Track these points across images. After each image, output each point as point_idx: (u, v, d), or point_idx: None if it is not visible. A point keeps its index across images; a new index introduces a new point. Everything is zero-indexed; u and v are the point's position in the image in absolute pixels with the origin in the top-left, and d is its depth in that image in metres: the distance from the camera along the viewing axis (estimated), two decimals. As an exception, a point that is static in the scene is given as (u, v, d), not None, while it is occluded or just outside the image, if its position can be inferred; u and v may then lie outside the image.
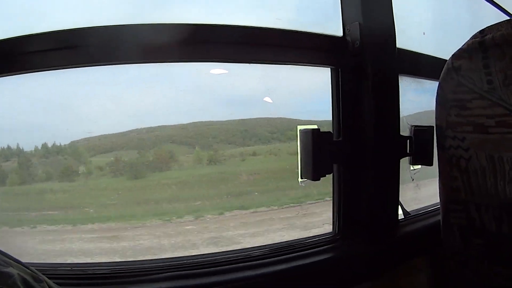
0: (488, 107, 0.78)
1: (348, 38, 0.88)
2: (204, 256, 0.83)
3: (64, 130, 1.10)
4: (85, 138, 1.29)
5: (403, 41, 0.94)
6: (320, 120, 1.11)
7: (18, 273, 0.53)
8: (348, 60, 0.87)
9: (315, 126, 0.84)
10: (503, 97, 0.76)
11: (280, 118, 1.26)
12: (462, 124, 0.81)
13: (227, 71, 0.87)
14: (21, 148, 1.07)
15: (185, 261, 0.80)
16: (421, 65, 1.04)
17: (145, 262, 0.80)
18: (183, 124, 1.30)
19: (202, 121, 1.27)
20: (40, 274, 0.56)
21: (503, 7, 1.48)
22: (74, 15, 0.82)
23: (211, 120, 1.27)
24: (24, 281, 0.53)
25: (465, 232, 0.85)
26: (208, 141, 1.27)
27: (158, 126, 1.28)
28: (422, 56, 1.05)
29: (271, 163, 1.28)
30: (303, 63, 0.86)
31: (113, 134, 1.27)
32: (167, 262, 0.81)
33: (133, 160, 1.21)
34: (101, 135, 1.26)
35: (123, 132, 1.28)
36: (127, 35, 0.76)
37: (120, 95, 1.04)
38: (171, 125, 1.29)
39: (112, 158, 1.19)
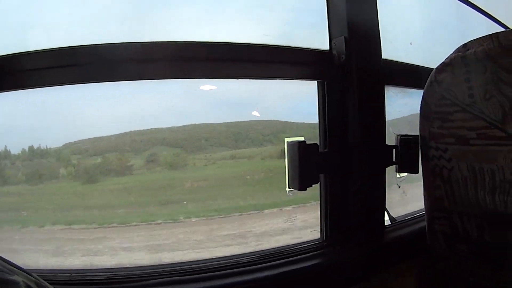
0: (470, 120, 0.82)
1: (334, 52, 0.92)
2: (196, 262, 0.88)
3: (57, 133, 1.14)
4: (79, 141, 1.35)
5: (389, 52, 0.98)
6: (312, 122, 1.16)
7: (23, 281, 0.55)
8: (334, 73, 0.91)
9: (302, 138, 0.89)
10: (484, 110, 0.80)
11: (273, 120, 1.30)
12: (445, 135, 0.85)
13: (216, 87, 0.92)
14: (8, 150, 1.10)
15: (179, 267, 0.85)
16: (407, 75, 1.07)
17: (142, 268, 0.86)
18: (177, 127, 1.35)
19: (194, 124, 1.31)
20: (42, 281, 0.59)
21: (493, 15, 1.50)
22: (67, 33, 0.86)
23: (204, 122, 1.30)
24: None
25: (450, 238, 0.90)
26: (201, 143, 1.31)
27: (151, 129, 1.31)
28: (408, 66, 1.09)
29: (234, 168, 1.32)
30: (290, 77, 0.90)
31: (106, 136, 1.29)
32: (162, 268, 0.86)
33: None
34: (96, 137, 1.28)
35: (117, 135, 1.31)
36: (119, 53, 0.80)
37: (114, 98, 1.05)
38: (163, 128, 1.32)
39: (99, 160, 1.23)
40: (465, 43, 0.83)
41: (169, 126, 1.30)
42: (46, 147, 1.20)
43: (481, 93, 0.80)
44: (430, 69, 0.88)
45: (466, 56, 0.82)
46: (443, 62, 0.85)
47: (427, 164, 0.89)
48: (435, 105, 0.85)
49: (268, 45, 0.87)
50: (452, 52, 0.85)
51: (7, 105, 0.92)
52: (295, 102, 1.18)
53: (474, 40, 0.82)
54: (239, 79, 0.87)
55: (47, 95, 0.90)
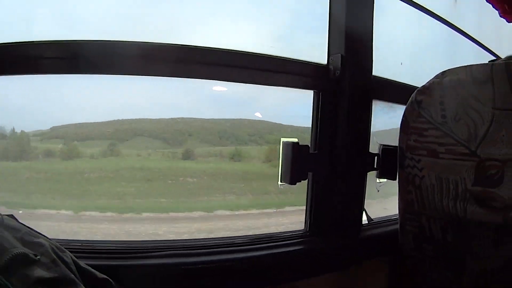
0: (441, 137, 1.01)
1: (331, 66, 1.10)
2: (196, 240, 1.07)
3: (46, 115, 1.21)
4: (65, 125, 1.46)
5: (381, 70, 1.16)
6: (300, 126, 1.30)
7: (48, 243, 0.64)
8: (329, 85, 1.10)
9: (296, 140, 1.07)
10: (453, 130, 0.99)
11: (262, 121, 1.44)
12: (419, 148, 1.04)
13: (226, 89, 1.09)
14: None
15: (181, 244, 1.01)
16: (394, 92, 1.26)
17: (148, 242, 1.01)
18: (165, 119, 1.47)
19: (183, 117, 1.42)
20: (59, 245, 0.68)
21: (482, 42, 1.69)
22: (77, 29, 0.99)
23: (193, 117, 1.41)
24: (53, 250, 0.64)
25: (418, 238, 1.08)
26: (184, 138, 1.44)
27: (138, 118, 1.42)
28: (395, 84, 1.28)
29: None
30: (290, 86, 1.08)
31: (94, 122, 1.41)
32: (166, 243, 1.01)
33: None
34: (83, 123, 1.40)
35: (104, 122, 1.42)
36: (131, 50, 0.93)
37: (107, 85, 1.11)
38: (151, 119, 1.43)
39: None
40: (444, 71, 1.02)
41: (157, 117, 1.41)
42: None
43: (452, 115, 0.99)
44: (414, 87, 1.07)
45: (443, 83, 1.01)
46: (423, 86, 1.04)
47: (402, 172, 1.08)
48: (413, 122, 1.04)
49: (273, 56, 1.05)
50: (432, 77, 1.04)
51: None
52: (287, 105, 1.32)
53: (452, 69, 1.01)
54: (243, 83, 1.05)
55: (40, 79, 0.97)
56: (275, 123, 1.43)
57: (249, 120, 1.48)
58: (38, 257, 0.59)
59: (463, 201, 0.99)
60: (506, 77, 0.92)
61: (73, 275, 0.63)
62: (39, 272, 0.57)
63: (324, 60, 1.13)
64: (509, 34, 1.65)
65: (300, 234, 1.14)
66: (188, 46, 0.97)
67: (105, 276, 0.73)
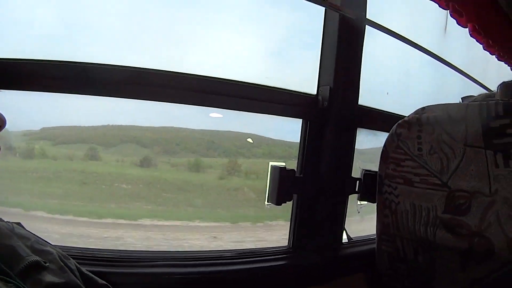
0: (416, 167, 1.12)
1: (319, 97, 1.21)
2: (188, 252, 1.17)
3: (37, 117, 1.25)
4: (56, 127, 1.52)
5: (367, 99, 1.28)
6: (288, 140, 1.37)
7: (55, 251, 0.71)
8: (317, 115, 1.21)
9: (284, 164, 1.18)
10: (428, 162, 1.10)
11: (252, 134, 1.50)
12: (396, 176, 1.15)
13: (222, 116, 1.20)
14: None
15: (174, 255, 1.11)
16: (378, 120, 1.37)
17: (143, 252, 1.11)
18: (154, 127, 1.52)
19: (173, 126, 1.46)
20: (63, 252, 0.75)
21: (469, 74, 1.79)
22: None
23: (183, 126, 1.45)
24: (60, 257, 0.70)
25: (392, 258, 1.20)
26: (171, 147, 1.51)
27: (127, 125, 1.46)
28: (379, 113, 1.39)
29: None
30: (280, 115, 1.19)
31: (82, 126, 1.44)
32: (161, 253, 1.11)
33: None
34: (73, 126, 1.44)
35: (94, 126, 1.46)
36: (146, 77, 1.02)
37: None
38: (140, 126, 1.46)
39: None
40: (423, 107, 1.13)
41: (147, 125, 1.46)
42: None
43: (427, 149, 1.10)
44: (399, 116, 1.18)
45: (421, 118, 1.12)
46: (403, 119, 1.15)
47: (380, 197, 1.19)
48: (392, 152, 1.15)
49: (267, 86, 1.15)
50: (413, 112, 1.15)
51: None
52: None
53: (430, 106, 1.12)
54: (239, 111, 1.15)
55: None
56: (264, 137, 1.50)
57: (237, 132, 1.54)
58: (47, 264, 0.66)
59: (433, 227, 1.10)
60: (478, 117, 1.03)
61: (78, 281, 0.71)
62: (50, 278, 0.64)
63: (314, 90, 1.24)
64: (497, 66, 1.76)
65: (284, 250, 1.25)
66: (183, 74, 1.06)
67: (105, 282, 0.81)
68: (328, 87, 1.19)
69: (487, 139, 1.02)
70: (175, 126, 1.47)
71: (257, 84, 1.13)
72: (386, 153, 1.17)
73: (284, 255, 1.23)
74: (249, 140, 1.34)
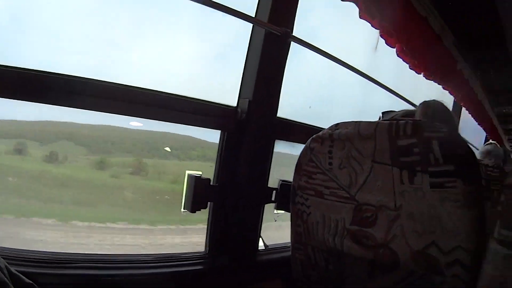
0: (327, 180, 1.18)
1: (238, 109, 1.26)
2: (111, 255, 1.19)
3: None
4: None
5: (289, 112, 1.33)
6: None
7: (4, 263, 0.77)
8: (235, 127, 1.26)
9: (200, 173, 1.22)
10: (337, 176, 1.16)
11: (188, 136, 1.54)
12: (308, 188, 1.21)
13: (142, 124, 1.22)
14: None
15: (98, 257, 1.15)
16: (296, 133, 1.43)
17: (69, 254, 1.13)
18: (91, 125, 1.50)
19: (110, 125, 1.46)
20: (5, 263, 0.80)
21: (396, 90, 1.89)
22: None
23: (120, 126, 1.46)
24: None
25: (305, 265, 1.26)
26: (106, 146, 1.52)
27: (65, 122, 1.43)
28: (298, 125, 1.46)
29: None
30: (200, 126, 1.24)
31: (21, 121, 1.41)
32: (85, 256, 1.14)
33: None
34: (12, 120, 1.39)
35: (31, 122, 1.44)
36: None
37: None
38: (78, 123, 1.44)
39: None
40: (337, 124, 1.19)
41: (85, 122, 1.42)
42: None
43: (337, 163, 1.16)
44: (318, 129, 1.24)
45: (333, 134, 1.18)
46: (317, 134, 1.20)
47: (293, 207, 1.25)
48: (305, 165, 1.21)
49: (189, 98, 1.19)
50: (327, 128, 1.21)
51: None
52: None
53: (343, 123, 1.19)
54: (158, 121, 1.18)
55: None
56: (200, 139, 1.53)
57: (173, 134, 1.56)
58: None
59: (341, 237, 1.16)
60: (386, 136, 1.10)
61: (6, 279, 0.75)
62: None
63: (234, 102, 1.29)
64: (427, 83, 1.85)
65: (201, 255, 1.30)
66: (106, 82, 1.09)
67: (31, 282, 0.85)
68: (247, 100, 1.24)
69: (394, 156, 1.08)
70: (111, 124, 1.46)
71: (177, 94, 1.17)
72: (299, 165, 1.23)
73: (201, 260, 1.28)
74: (167, 149, 1.37)
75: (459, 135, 1.11)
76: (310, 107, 1.52)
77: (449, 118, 1.28)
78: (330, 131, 1.19)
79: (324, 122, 1.39)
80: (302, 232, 1.23)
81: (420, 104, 1.27)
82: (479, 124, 4.85)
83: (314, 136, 1.21)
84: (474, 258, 1.01)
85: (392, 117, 1.32)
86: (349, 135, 1.15)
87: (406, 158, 1.07)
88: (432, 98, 1.32)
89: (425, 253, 1.04)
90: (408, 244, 1.06)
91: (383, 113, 1.34)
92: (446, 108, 1.28)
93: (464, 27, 2.88)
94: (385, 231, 1.09)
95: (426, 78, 2.16)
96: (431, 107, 1.25)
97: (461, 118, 4.16)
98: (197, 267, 1.23)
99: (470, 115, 4.33)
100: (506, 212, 0.93)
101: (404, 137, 1.07)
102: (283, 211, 1.38)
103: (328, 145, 1.18)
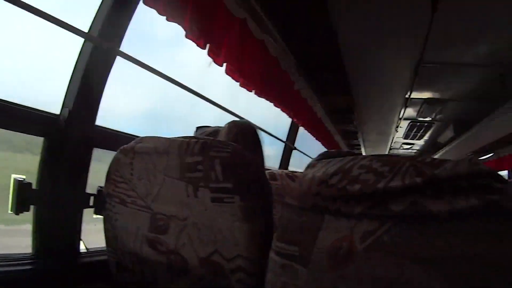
0: (128, 190, 1.29)
1: (60, 117, 1.38)
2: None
3: None
4: None
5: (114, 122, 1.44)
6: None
7: None
8: (56, 134, 1.38)
9: (24, 177, 1.34)
10: (137, 186, 1.27)
11: None
12: (114, 196, 1.32)
13: None
14: None
15: None
16: (116, 141, 1.52)
17: None
18: None
19: None
20: None
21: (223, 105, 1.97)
22: None
23: None
24: None
25: (118, 268, 1.36)
26: None
27: None
28: (117, 135, 1.58)
29: None
30: (21, 131, 1.34)
31: None
32: None
33: None
34: None
35: None
36: None
37: None
38: None
39: None
40: (142, 137, 1.30)
41: None
42: None
43: (137, 175, 1.27)
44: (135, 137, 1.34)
45: (135, 147, 1.29)
46: (124, 146, 1.32)
47: (105, 213, 1.36)
48: (112, 174, 1.32)
49: (6, 101, 1.30)
50: (133, 141, 1.31)
51: None
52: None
53: (147, 137, 1.30)
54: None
55: None
56: None
57: None
58: None
59: (141, 243, 1.26)
60: (177, 152, 1.21)
61: None
62: None
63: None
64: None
65: (27, 256, 1.40)
66: None
67: None
68: (67, 109, 1.35)
69: (182, 172, 1.20)
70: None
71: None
72: (109, 174, 1.34)
73: (28, 261, 1.38)
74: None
75: (246, 154, 1.20)
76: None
77: (254, 138, 1.37)
78: (134, 144, 1.30)
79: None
80: (112, 237, 1.34)
81: (227, 123, 1.36)
82: (316, 139, 5.35)
83: (121, 147, 1.32)
84: (256, 265, 1.12)
85: (203, 132, 1.42)
86: (148, 149, 1.26)
87: (192, 174, 1.18)
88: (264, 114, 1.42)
89: (210, 260, 1.15)
90: (195, 251, 1.17)
91: (197, 127, 1.44)
92: (253, 128, 1.36)
93: (305, 52, 3.06)
94: (175, 238, 1.20)
95: (258, 96, 2.26)
96: (238, 127, 1.33)
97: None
98: (24, 267, 1.31)
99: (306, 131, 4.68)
100: (281, 226, 1.03)
101: (192, 154, 1.19)
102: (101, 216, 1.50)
103: (131, 157, 1.29)
